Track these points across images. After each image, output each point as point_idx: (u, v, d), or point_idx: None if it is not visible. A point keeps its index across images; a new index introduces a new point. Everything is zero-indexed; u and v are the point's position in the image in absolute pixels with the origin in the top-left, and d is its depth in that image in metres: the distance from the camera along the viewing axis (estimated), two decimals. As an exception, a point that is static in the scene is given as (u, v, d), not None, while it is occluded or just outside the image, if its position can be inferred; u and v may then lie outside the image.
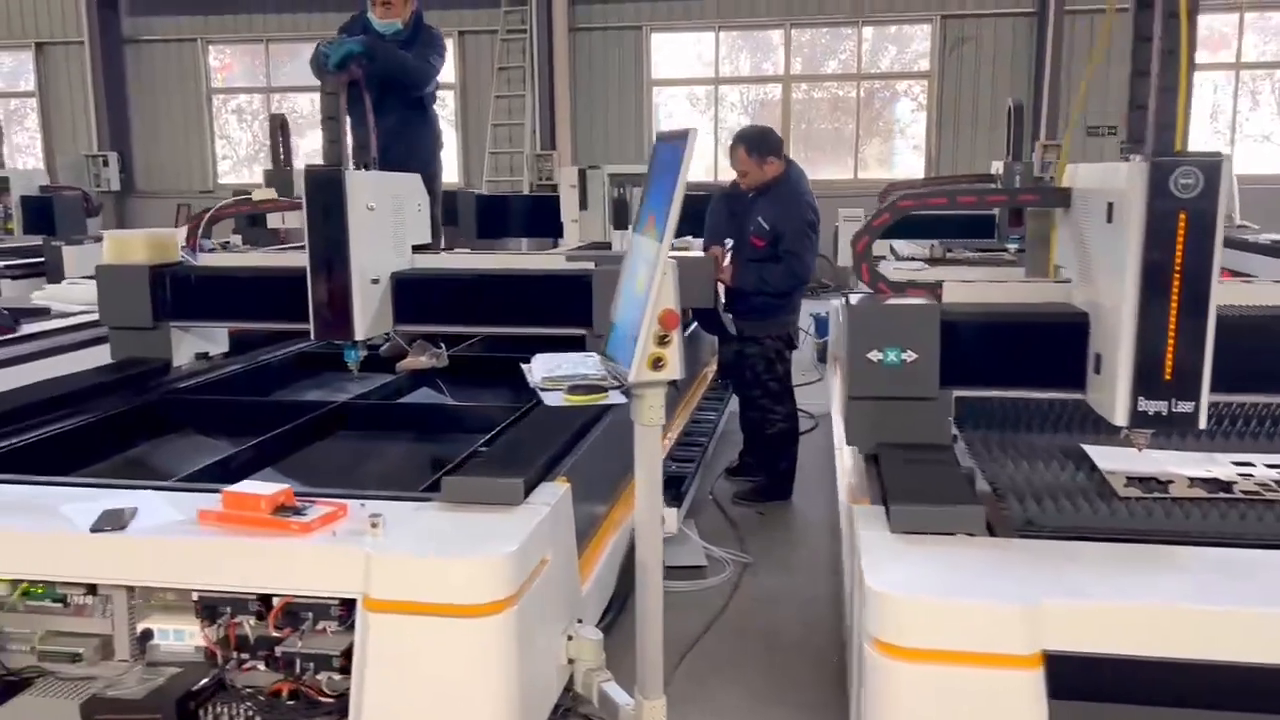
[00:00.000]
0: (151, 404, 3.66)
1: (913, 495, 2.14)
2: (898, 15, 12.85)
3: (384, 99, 4.00)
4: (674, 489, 3.63)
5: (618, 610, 2.96)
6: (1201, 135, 12.98)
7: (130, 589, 2.39)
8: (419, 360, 4.07)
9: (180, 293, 3.89)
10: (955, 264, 7.03)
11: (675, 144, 1.95)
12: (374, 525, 2.13)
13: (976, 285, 2.75)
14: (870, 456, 2.61)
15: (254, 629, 2.23)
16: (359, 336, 3.53)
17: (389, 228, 3.71)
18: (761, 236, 4.26)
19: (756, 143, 4.37)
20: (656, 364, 1.95)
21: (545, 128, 13.18)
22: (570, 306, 3.66)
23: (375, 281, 3.59)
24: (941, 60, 12.70)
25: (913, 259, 8.27)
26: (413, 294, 3.72)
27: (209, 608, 2.25)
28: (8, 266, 8.24)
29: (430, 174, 4.31)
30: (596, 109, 13.50)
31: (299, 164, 10.28)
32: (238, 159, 15.55)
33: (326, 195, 3.44)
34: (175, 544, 2.19)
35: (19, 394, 3.40)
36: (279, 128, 10.09)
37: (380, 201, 3.62)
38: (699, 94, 14.58)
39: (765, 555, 3.72)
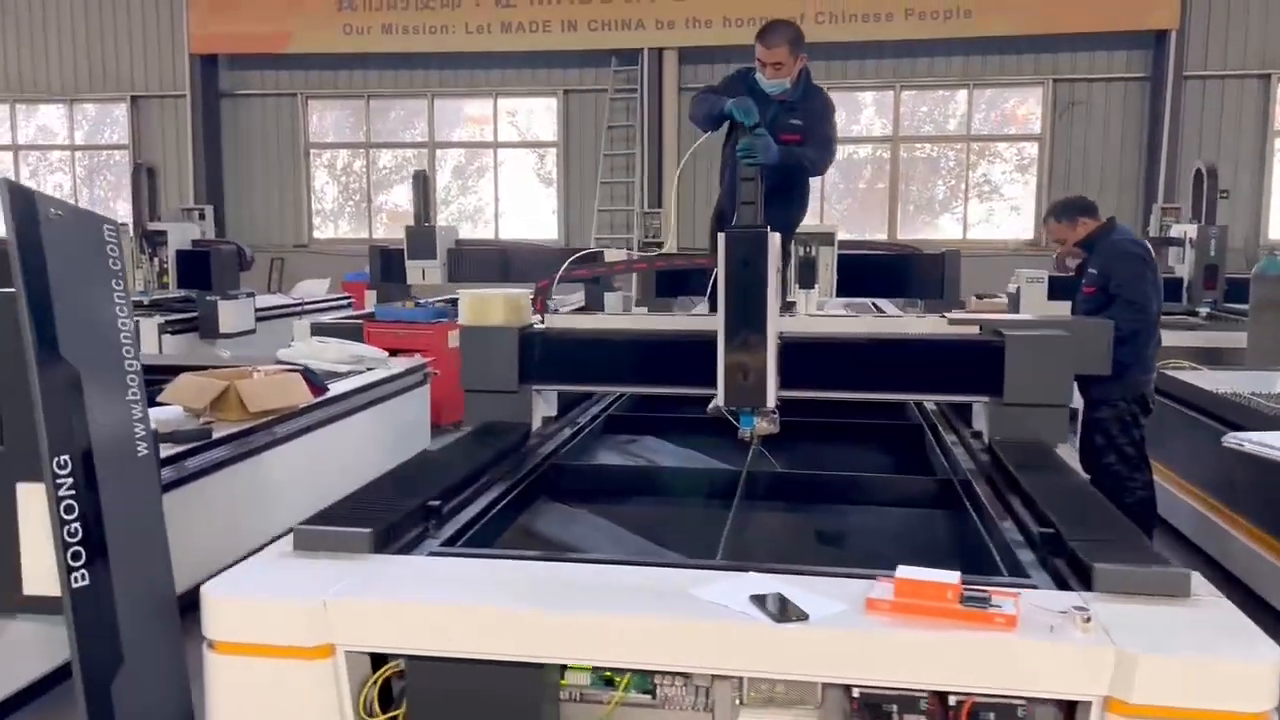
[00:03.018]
0: (544, 472, 3.50)
1: None
2: (1010, 78, 12.91)
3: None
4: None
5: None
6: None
7: (736, 680, 2.23)
8: (760, 425, 3.92)
9: (549, 356, 3.74)
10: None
11: None
12: (1086, 620, 1.97)
13: None
14: None
15: (928, 730, 2.07)
16: (771, 403, 3.39)
17: (775, 290, 3.60)
18: (1092, 283, 4.25)
19: (1063, 209, 4.47)
20: None
21: (653, 186, 13.17)
22: (974, 373, 3.54)
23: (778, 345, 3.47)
24: (1052, 123, 12.74)
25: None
26: (799, 358, 3.58)
27: (871, 705, 2.08)
28: (167, 321, 8.11)
29: (791, 235, 4.20)
30: (701, 167, 13.48)
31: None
32: (325, 213, 15.49)
33: (749, 256, 3.32)
34: (855, 636, 2.01)
35: (436, 463, 3.23)
36: (421, 184, 10.07)
37: (774, 264, 3.50)
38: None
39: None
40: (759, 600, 2.09)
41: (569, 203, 13.96)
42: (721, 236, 3.35)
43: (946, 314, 3.96)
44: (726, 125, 4.17)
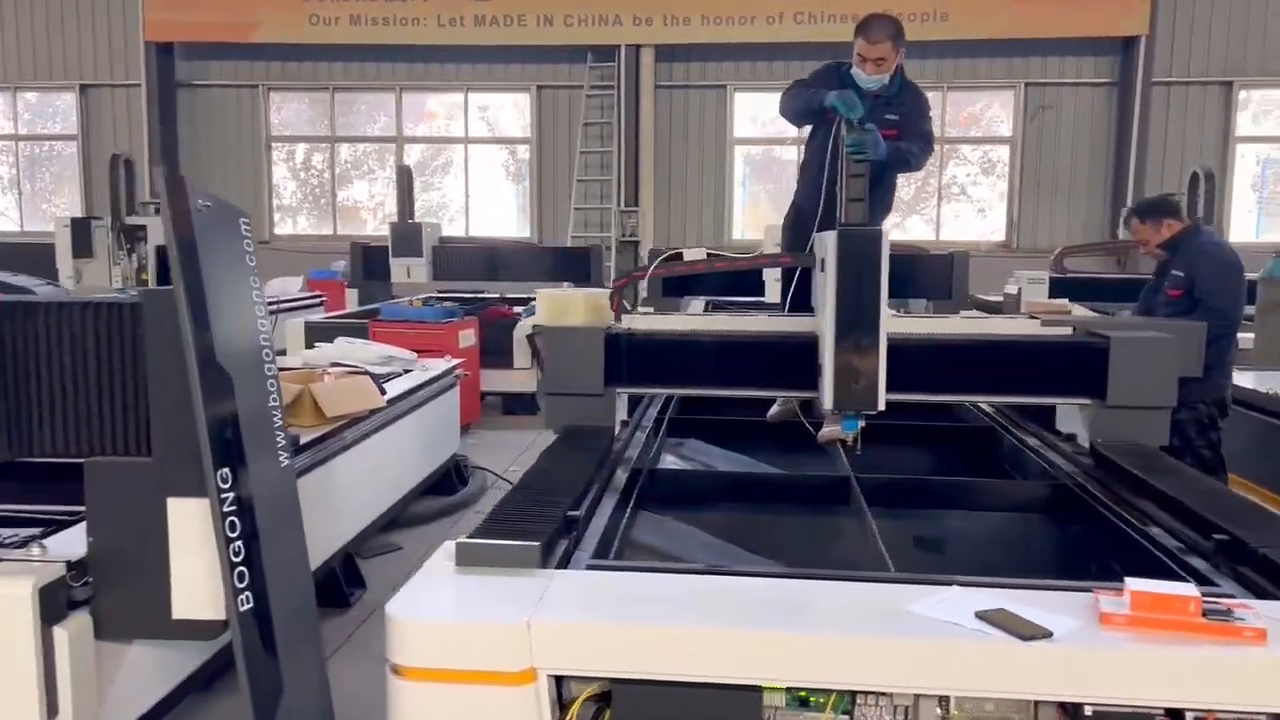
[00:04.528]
0: (646, 478, 3.37)
1: None
2: (981, 82, 13.06)
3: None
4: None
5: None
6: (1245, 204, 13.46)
7: (942, 699, 2.13)
8: (836, 430, 3.83)
9: (635, 357, 3.60)
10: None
11: None
12: (1333, 631, 1.92)
13: None
14: None
15: (1165, 748, 2.00)
16: (881, 406, 3.31)
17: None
18: (1177, 285, 4.25)
19: (1148, 210, 4.46)
20: None
21: (630, 184, 13.05)
22: (1076, 375, 3.49)
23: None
24: (1023, 127, 12.92)
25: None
26: (898, 360, 3.50)
27: (1106, 725, 2.00)
28: (149, 319, 7.75)
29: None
30: (677, 166, 13.42)
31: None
32: (284, 209, 15.04)
33: (863, 256, 3.23)
34: (1097, 652, 1.93)
35: (548, 472, 3.07)
36: (405, 179, 9.83)
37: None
38: (755, 153, 14.57)
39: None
40: (989, 617, 2.00)
41: (542, 200, 13.76)
42: (831, 235, 3.25)
43: (1035, 314, 3.91)
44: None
